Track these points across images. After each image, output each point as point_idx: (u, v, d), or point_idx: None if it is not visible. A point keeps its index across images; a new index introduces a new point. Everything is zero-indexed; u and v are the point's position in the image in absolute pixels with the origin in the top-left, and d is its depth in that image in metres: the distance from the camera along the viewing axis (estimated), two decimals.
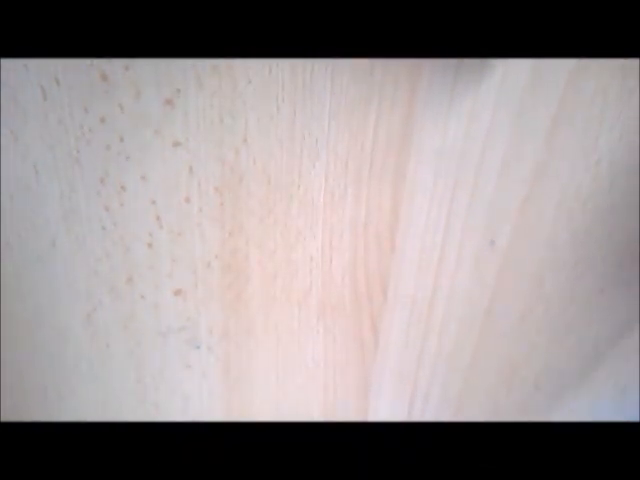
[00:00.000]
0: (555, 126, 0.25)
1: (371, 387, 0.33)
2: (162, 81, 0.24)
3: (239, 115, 0.24)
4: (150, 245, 0.28)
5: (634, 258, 0.29)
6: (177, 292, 0.29)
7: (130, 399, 0.33)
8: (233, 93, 0.24)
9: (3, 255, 0.28)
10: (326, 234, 0.28)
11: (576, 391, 0.34)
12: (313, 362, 0.32)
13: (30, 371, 0.32)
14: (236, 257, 0.28)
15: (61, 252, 0.28)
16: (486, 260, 0.29)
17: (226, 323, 0.30)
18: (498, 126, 0.25)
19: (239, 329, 0.30)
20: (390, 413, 0.34)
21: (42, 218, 0.27)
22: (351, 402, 0.33)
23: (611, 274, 0.29)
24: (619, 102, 0.25)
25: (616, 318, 0.31)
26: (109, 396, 0.33)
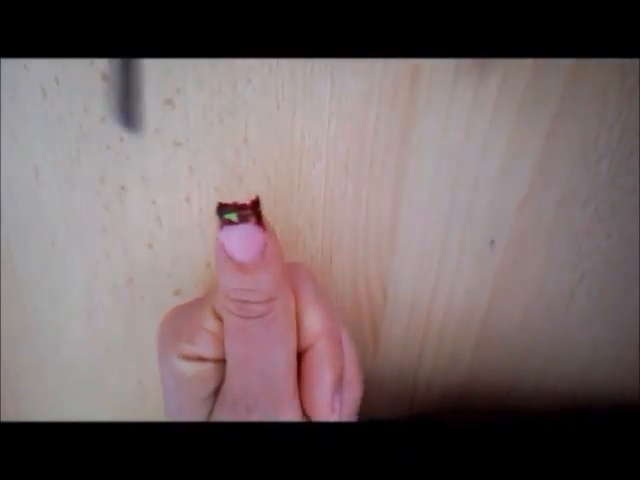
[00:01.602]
0: (555, 126, 0.25)
1: (371, 387, 0.33)
2: (162, 81, 0.24)
3: (239, 115, 0.24)
4: (150, 245, 0.28)
5: (634, 258, 0.29)
6: (177, 292, 0.29)
7: (130, 399, 0.33)
8: (233, 93, 0.24)
9: (3, 255, 0.28)
10: (326, 234, 0.28)
11: (576, 391, 0.34)
12: None
13: (30, 371, 0.32)
14: None
15: (61, 252, 0.28)
16: (486, 260, 0.29)
17: None
18: (498, 126, 0.25)
19: None
20: (390, 413, 0.34)
21: (42, 218, 0.27)
22: None
23: (611, 274, 0.29)
24: (619, 102, 0.25)
25: (616, 318, 0.31)
26: (109, 396, 0.33)
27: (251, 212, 0.18)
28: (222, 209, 0.18)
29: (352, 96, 0.24)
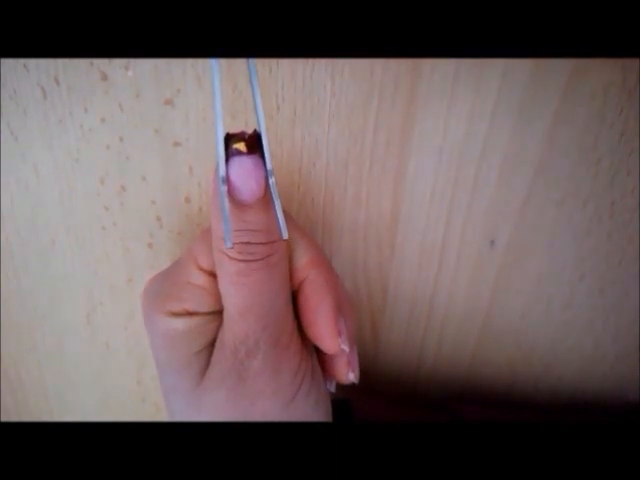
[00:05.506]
0: (555, 126, 0.25)
1: (372, 387, 0.33)
2: (162, 81, 0.24)
3: (239, 115, 0.24)
4: (150, 245, 0.28)
5: (634, 258, 0.29)
6: None
7: (130, 399, 0.33)
8: (233, 93, 0.24)
9: (3, 255, 0.28)
10: (326, 234, 0.28)
11: (576, 391, 0.34)
12: None
13: (30, 371, 0.32)
14: None
15: (61, 252, 0.28)
16: (486, 260, 0.29)
17: None
18: (498, 126, 0.25)
19: None
20: (390, 413, 0.34)
21: (42, 218, 0.27)
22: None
23: (611, 274, 0.29)
24: (619, 102, 0.25)
25: (616, 318, 0.31)
26: (109, 396, 0.33)
27: (256, 143, 0.18)
28: (230, 139, 0.18)
29: (352, 96, 0.24)
